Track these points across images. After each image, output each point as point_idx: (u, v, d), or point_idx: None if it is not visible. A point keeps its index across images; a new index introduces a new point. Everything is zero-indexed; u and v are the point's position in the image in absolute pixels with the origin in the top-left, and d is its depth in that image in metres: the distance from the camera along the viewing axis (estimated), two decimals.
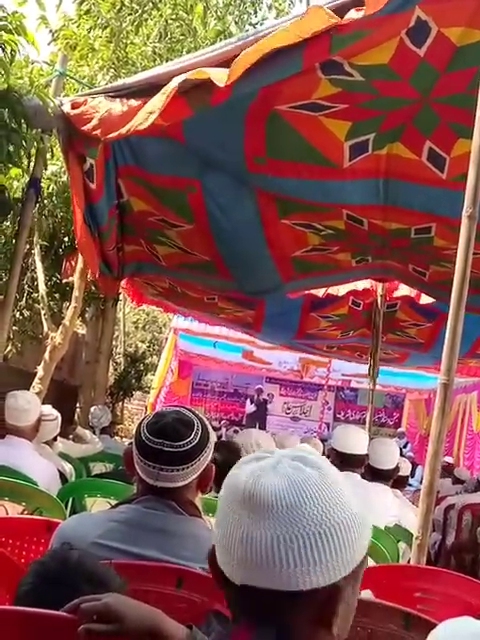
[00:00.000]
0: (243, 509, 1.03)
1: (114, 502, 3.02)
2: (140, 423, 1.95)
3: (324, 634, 1.03)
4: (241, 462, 1.10)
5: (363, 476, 3.89)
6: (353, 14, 2.66)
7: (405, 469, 5.44)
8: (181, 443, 1.85)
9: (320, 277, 5.76)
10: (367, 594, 2.31)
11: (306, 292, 6.59)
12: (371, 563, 3.07)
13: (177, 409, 1.95)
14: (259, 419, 16.44)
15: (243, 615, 1.05)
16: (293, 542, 0.99)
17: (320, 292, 6.57)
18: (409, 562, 2.74)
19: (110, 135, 3.40)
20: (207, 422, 1.96)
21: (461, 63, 3.12)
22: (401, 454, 7.48)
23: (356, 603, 1.09)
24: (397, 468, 4.17)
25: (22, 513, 3.13)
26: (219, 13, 7.51)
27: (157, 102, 3.13)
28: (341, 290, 6.65)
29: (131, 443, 1.99)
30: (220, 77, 2.83)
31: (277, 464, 1.05)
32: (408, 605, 1.92)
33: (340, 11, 2.75)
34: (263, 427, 15.46)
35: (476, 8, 2.88)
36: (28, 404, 3.72)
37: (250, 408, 17.04)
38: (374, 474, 3.95)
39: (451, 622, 1.09)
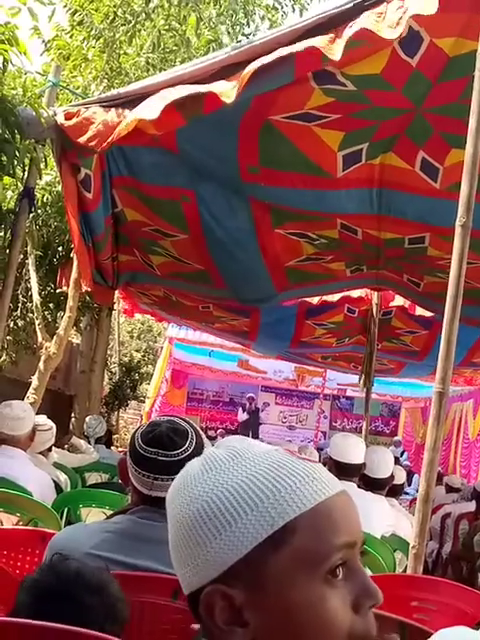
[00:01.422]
0: None
1: (109, 512, 3.01)
2: (134, 433, 1.94)
3: None
4: None
5: (358, 485, 3.87)
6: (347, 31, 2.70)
7: (400, 477, 5.42)
8: (176, 452, 1.84)
9: (314, 287, 5.77)
10: None
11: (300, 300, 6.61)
12: (367, 572, 3.06)
13: (171, 418, 1.95)
14: (252, 427, 16.39)
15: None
16: (171, 541, 0.92)
17: (315, 299, 6.59)
18: (405, 571, 2.74)
19: (104, 145, 3.40)
20: (201, 431, 1.96)
21: (453, 73, 3.14)
22: (398, 463, 7.49)
23: (294, 610, 0.85)
24: (392, 477, 4.15)
25: (17, 524, 3.13)
26: (212, 24, 7.54)
27: (150, 109, 3.15)
28: (335, 296, 6.66)
29: (126, 453, 1.98)
30: (228, 93, 2.86)
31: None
32: (404, 614, 1.92)
33: (331, 23, 2.78)
34: (256, 435, 15.43)
35: (468, 19, 2.90)
36: (23, 412, 3.72)
37: (242, 416, 17.00)
38: (368, 483, 3.94)
39: (446, 631, 1.09)
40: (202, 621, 0.89)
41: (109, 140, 3.33)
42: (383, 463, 4.05)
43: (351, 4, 2.79)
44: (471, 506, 6.33)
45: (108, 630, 1.35)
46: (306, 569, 0.85)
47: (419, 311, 6.48)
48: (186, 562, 0.88)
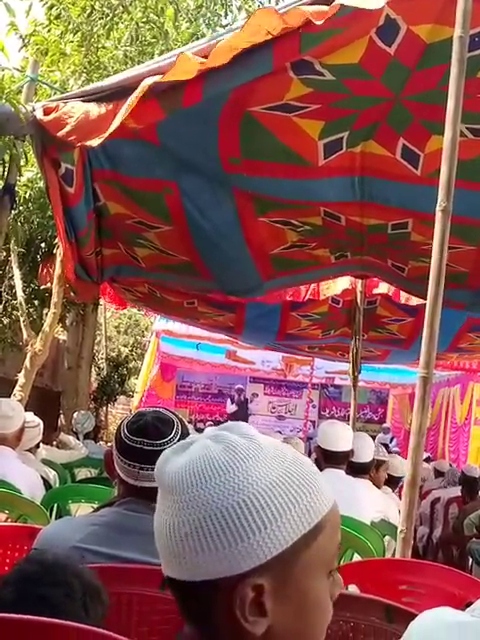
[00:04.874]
0: (160, 495, 0.96)
1: None
2: (121, 424, 1.96)
3: (244, 633, 0.89)
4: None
5: (347, 472, 3.90)
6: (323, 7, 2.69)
7: (401, 471, 5.43)
8: (161, 442, 1.85)
9: (300, 274, 5.76)
10: (352, 588, 2.33)
11: (286, 298, 6.63)
12: (356, 558, 3.09)
13: (156, 409, 1.96)
14: (241, 419, 16.36)
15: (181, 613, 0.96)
16: (189, 526, 0.89)
17: (300, 297, 6.61)
18: (394, 555, 2.76)
19: (86, 142, 3.38)
20: (185, 422, 1.97)
21: (431, 60, 3.13)
22: (387, 449, 7.52)
23: (308, 602, 0.93)
24: (373, 460, 4.22)
25: (6, 521, 3.13)
26: (190, 15, 7.50)
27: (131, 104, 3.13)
28: (321, 294, 6.68)
29: (111, 445, 1.99)
30: (190, 68, 2.84)
31: (190, 444, 0.98)
32: (393, 598, 1.93)
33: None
34: None
35: (444, 5, 2.90)
36: (12, 411, 3.72)
37: (231, 408, 17.02)
38: (352, 468, 3.97)
39: (429, 613, 1.10)
40: (206, 611, 0.90)
41: (92, 142, 3.31)
42: (367, 447, 4.13)
43: None
44: (459, 490, 6.39)
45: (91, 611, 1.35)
46: (323, 564, 0.94)
47: (403, 299, 6.50)
48: (211, 550, 0.88)
